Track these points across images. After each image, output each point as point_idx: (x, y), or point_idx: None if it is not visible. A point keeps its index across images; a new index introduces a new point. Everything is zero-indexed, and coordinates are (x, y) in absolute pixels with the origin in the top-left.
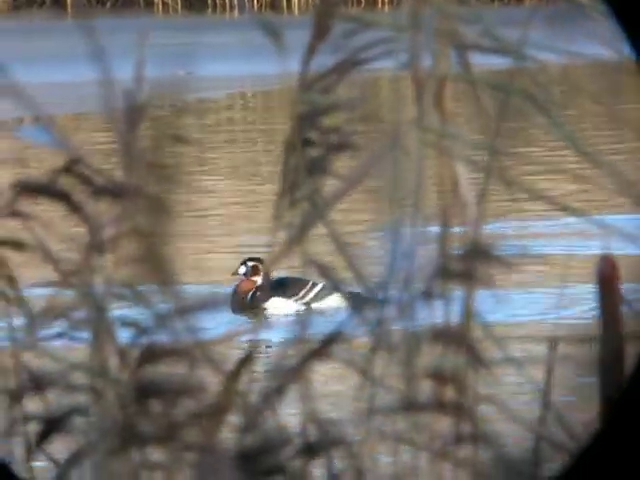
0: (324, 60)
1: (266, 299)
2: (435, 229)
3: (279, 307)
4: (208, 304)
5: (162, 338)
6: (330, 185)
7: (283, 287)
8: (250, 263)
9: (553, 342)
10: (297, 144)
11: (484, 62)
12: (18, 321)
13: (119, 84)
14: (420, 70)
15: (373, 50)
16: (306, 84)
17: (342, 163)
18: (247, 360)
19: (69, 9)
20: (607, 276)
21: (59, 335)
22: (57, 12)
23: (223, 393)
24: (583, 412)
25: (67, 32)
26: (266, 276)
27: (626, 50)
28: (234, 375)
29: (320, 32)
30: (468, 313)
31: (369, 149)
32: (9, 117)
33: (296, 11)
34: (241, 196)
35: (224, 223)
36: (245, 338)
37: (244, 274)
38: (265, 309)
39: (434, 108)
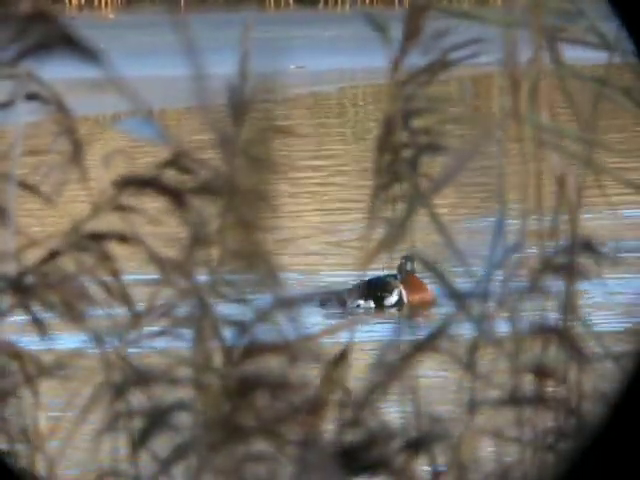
0: (418, 59)
1: None
2: (535, 222)
3: None
4: (314, 298)
5: (264, 333)
6: (421, 184)
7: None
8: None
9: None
10: (388, 144)
11: (587, 57)
12: (121, 315)
13: (227, 78)
14: (517, 65)
15: (465, 50)
16: (398, 83)
17: (434, 162)
18: (343, 355)
19: (182, 3)
20: None
21: (162, 333)
22: (170, 6)
23: (320, 387)
24: None
25: (180, 26)
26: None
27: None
28: (330, 370)
29: (412, 31)
30: (570, 308)
31: (461, 148)
32: (113, 110)
33: (407, 4)
34: (348, 192)
35: (327, 220)
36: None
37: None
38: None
39: (532, 102)
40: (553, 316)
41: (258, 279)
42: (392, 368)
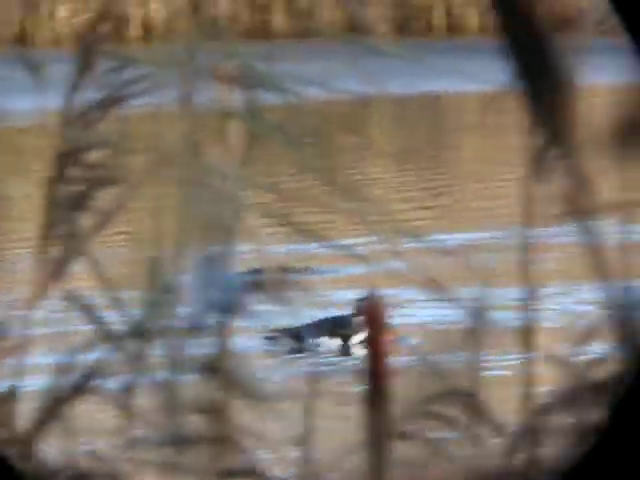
0: (89, 96)
1: None
2: (206, 260)
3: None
4: None
5: None
6: (91, 220)
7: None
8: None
9: (314, 377)
10: (57, 181)
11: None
12: None
13: None
14: (191, 106)
15: (136, 86)
16: (69, 120)
17: (105, 197)
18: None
19: None
20: (373, 314)
21: None
22: None
23: None
24: (348, 446)
25: None
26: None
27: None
28: None
29: (83, 68)
30: (228, 345)
31: (130, 182)
32: None
33: (41, 46)
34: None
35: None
36: None
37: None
38: None
39: (208, 143)
40: (214, 352)
41: None
42: (52, 408)
